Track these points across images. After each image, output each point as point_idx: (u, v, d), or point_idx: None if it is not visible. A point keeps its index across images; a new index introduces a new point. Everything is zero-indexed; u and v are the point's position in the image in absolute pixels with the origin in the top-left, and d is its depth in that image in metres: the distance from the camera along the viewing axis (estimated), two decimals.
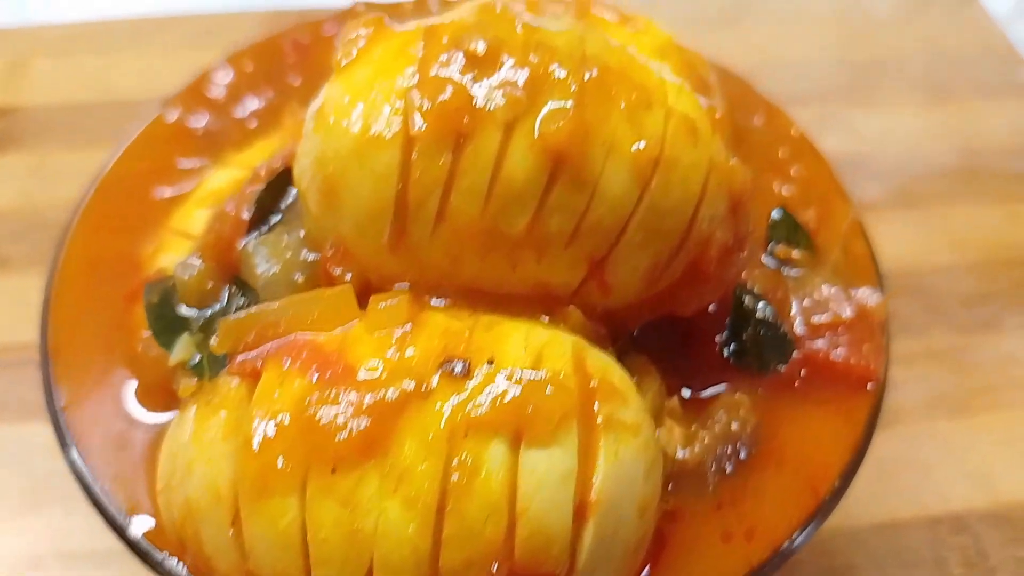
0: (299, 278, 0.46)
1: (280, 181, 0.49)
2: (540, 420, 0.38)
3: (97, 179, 0.60)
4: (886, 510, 0.73)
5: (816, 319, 0.53)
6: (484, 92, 0.41)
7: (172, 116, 0.63)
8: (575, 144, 0.41)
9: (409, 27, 0.45)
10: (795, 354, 0.52)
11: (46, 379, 0.50)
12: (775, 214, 0.57)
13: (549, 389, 0.38)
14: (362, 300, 0.44)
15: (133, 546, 0.45)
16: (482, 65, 0.41)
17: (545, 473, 0.38)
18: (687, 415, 0.49)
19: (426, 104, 0.41)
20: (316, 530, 0.37)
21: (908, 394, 0.81)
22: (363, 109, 0.42)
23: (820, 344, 0.52)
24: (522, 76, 0.41)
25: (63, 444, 0.49)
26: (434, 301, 0.43)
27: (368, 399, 0.38)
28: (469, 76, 0.41)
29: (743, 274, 0.54)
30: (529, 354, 0.40)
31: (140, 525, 0.45)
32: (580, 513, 0.38)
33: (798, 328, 0.53)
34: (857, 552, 0.71)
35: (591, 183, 0.42)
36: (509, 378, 0.39)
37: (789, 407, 0.51)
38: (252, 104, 0.64)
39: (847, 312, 0.53)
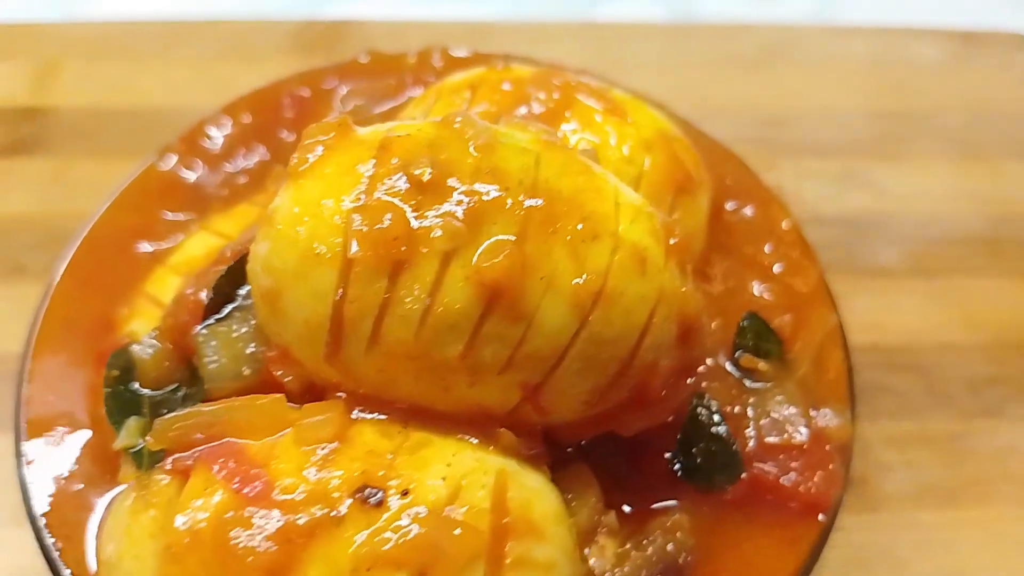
0: (246, 371, 0.47)
1: (239, 267, 0.50)
2: (446, 560, 0.39)
3: (84, 231, 0.62)
4: None
5: (771, 439, 0.53)
6: (424, 220, 0.41)
7: (165, 165, 0.65)
8: (512, 279, 0.41)
9: (368, 136, 0.45)
10: (744, 475, 0.51)
11: (16, 433, 0.52)
12: (745, 319, 0.56)
13: (458, 530, 0.39)
14: (304, 398, 0.45)
15: None
16: (427, 192, 0.42)
17: None
18: (625, 531, 0.49)
19: (365, 228, 0.41)
20: None
21: (895, 480, 0.79)
22: (308, 226, 0.42)
23: (770, 467, 0.52)
24: (465, 205, 0.41)
25: (24, 497, 0.51)
26: (367, 414, 0.44)
27: (280, 523, 0.39)
28: (411, 203, 0.41)
29: (702, 383, 0.54)
30: (447, 485, 0.41)
31: None
32: None
33: (751, 446, 0.52)
34: None
35: (527, 316, 0.42)
36: (420, 514, 0.39)
37: (732, 529, 0.51)
38: (243, 159, 0.65)
39: (804, 435, 0.53)
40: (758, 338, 0.56)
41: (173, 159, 0.65)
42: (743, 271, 0.61)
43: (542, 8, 1.23)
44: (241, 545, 0.39)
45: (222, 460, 0.42)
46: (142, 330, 0.53)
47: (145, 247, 0.61)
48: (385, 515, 0.39)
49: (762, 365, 0.55)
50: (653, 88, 1.07)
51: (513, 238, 0.41)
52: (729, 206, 0.64)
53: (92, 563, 0.48)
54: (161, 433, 0.43)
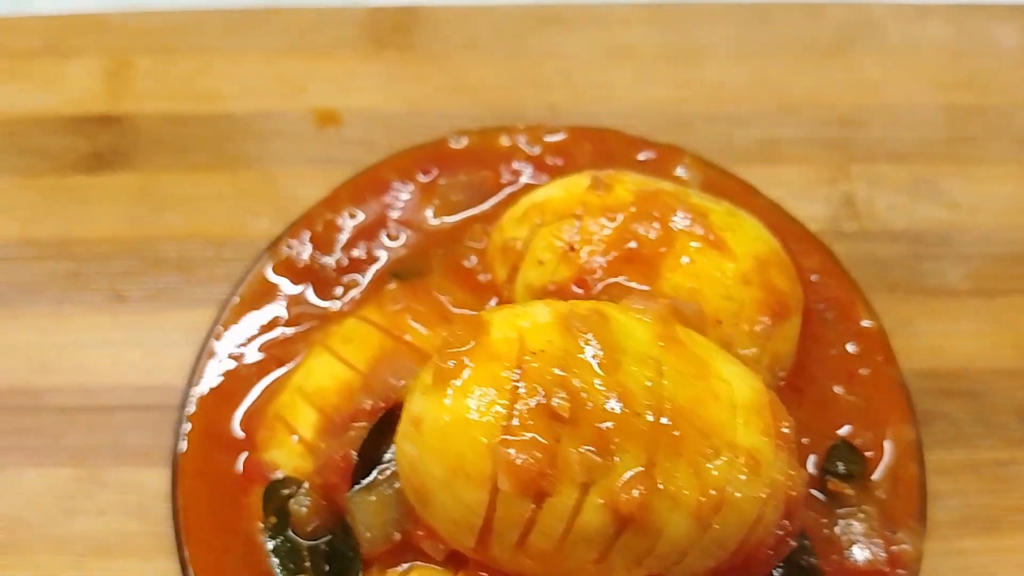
0: (396, 536, 0.53)
1: (380, 429, 0.55)
2: None
3: (209, 340, 0.66)
4: None
5: (851, 562, 0.59)
6: (566, 455, 0.46)
7: (271, 274, 0.68)
8: (644, 510, 0.46)
9: (504, 349, 0.49)
10: None
11: (180, 555, 0.60)
12: (834, 446, 0.61)
13: None
14: (447, 563, 0.52)
15: None
16: (565, 424, 0.46)
17: None
18: None
19: (511, 461, 0.46)
20: None
21: (946, 508, 0.85)
22: (456, 445, 0.47)
23: None
24: (600, 436, 0.46)
25: None
26: None
27: None
28: (553, 437, 0.46)
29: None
30: None
31: None
32: None
33: (836, 570, 0.59)
34: None
35: (655, 533, 0.47)
36: None
37: None
38: (350, 262, 0.68)
39: (883, 560, 0.59)
40: (846, 463, 0.61)
41: (283, 256, 0.68)
42: (827, 378, 0.65)
43: None
44: None
45: None
46: (283, 461, 0.60)
47: (265, 362, 0.65)
48: None
49: (848, 490, 0.60)
50: (731, 82, 1.06)
51: (643, 471, 0.46)
52: (816, 306, 0.67)
53: None
54: None
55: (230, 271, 0.93)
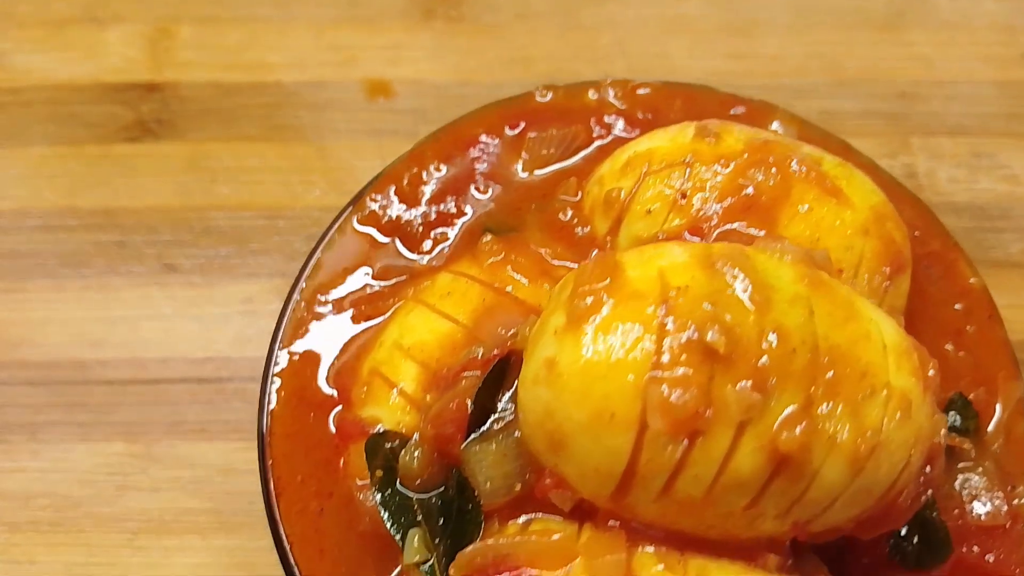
0: (517, 487, 0.50)
1: (495, 377, 0.52)
2: None
3: (294, 297, 0.63)
4: None
5: (974, 517, 0.57)
6: (720, 391, 0.43)
7: (360, 225, 0.65)
8: (803, 450, 0.43)
9: (644, 286, 0.46)
10: (951, 555, 0.56)
11: (272, 520, 0.56)
12: (951, 400, 0.59)
13: None
14: (575, 514, 0.49)
15: None
16: (720, 362, 0.44)
17: None
18: None
19: (664, 400, 0.43)
20: None
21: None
22: (599, 387, 0.45)
23: (975, 547, 0.56)
24: (757, 375, 0.44)
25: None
26: (644, 546, 0.48)
27: None
28: (707, 374, 0.44)
29: None
30: None
31: None
32: None
33: (957, 526, 0.57)
34: None
35: (810, 476, 0.45)
36: None
37: None
38: (439, 220, 0.65)
39: (1004, 513, 0.57)
40: (962, 416, 0.59)
41: (368, 210, 0.66)
42: (937, 336, 0.63)
43: None
44: None
45: None
46: (385, 418, 0.56)
47: (355, 317, 0.62)
48: None
49: (966, 444, 0.58)
50: (788, 53, 1.05)
51: (800, 405, 0.44)
52: (922, 265, 0.66)
53: None
54: (463, 565, 0.48)
55: (284, 242, 0.90)
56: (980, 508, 0.57)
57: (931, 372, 0.49)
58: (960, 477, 0.58)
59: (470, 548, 0.48)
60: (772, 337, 0.44)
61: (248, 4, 1.03)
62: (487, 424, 0.52)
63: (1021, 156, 1.00)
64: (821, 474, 0.45)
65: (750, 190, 0.57)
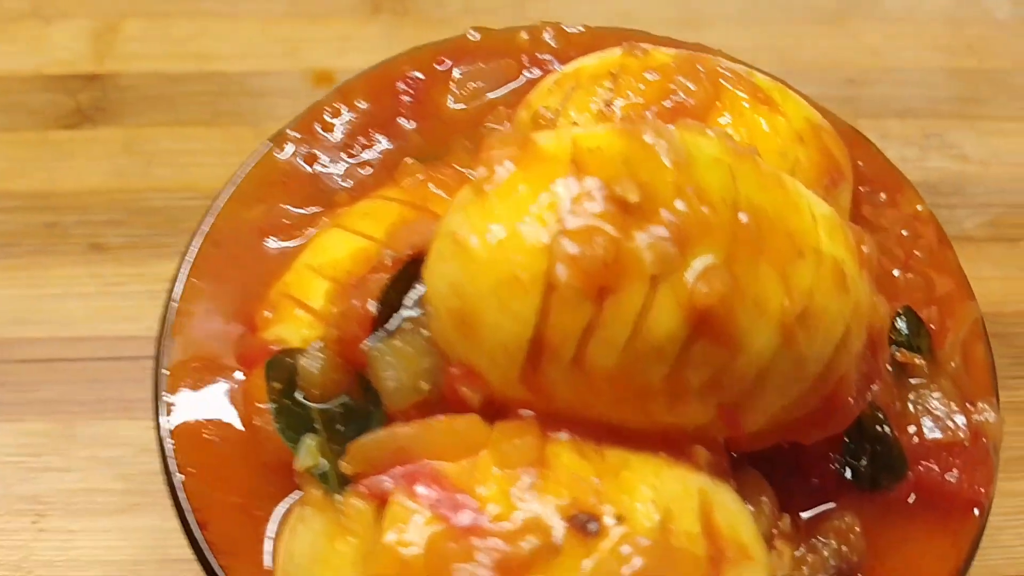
0: (425, 387, 0.46)
1: (405, 275, 0.48)
2: None
3: (206, 225, 0.60)
4: None
5: (932, 436, 0.53)
6: (631, 244, 0.40)
7: (282, 155, 0.63)
8: (724, 305, 0.40)
9: (555, 149, 0.43)
10: (908, 475, 0.51)
11: (163, 458, 0.52)
12: (900, 315, 0.55)
13: (680, 560, 0.39)
14: (485, 413, 0.45)
15: None
16: (633, 214, 0.40)
17: None
18: (797, 536, 0.49)
19: (572, 253, 0.40)
20: None
21: None
22: (503, 248, 0.41)
23: (934, 465, 0.52)
24: (673, 227, 0.40)
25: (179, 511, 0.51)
26: (559, 434, 0.43)
27: (496, 554, 0.39)
28: (617, 226, 0.40)
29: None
30: (657, 507, 0.41)
31: None
32: None
33: (913, 444, 0.52)
34: None
35: (735, 339, 0.41)
36: (639, 543, 0.39)
37: (894, 529, 0.51)
38: (363, 149, 0.63)
39: (965, 432, 0.53)
40: (912, 333, 0.55)
41: (290, 148, 0.63)
42: (884, 260, 0.60)
43: None
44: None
45: (422, 483, 0.41)
46: (290, 336, 0.52)
47: (273, 243, 0.59)
48: (604, 544, 0.39)
49: (918, 360, 0.55)
50: (737, 45, 1.04)
51: (723, 263, 0.40)
52: (863, 189, 0.63)
53: None
54: (356, 456, 0.43)
55: None
56: (938, 426, 0.53)
57: (866, 249, 0.45)
58: (914, 394, 0.54)
59: (364, 438, 0.43)
60: (690, 191, 0.41)
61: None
62: (394, 323, 0.48)
63: (971, 136, 1.00)
64: (747, 341, 0.41)
65: (680, 96, 0.55)
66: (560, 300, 0.40)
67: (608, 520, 0.40)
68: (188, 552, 0.69)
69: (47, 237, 0.86)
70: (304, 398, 0.49)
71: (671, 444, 0.44)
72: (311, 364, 0.48)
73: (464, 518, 0.40)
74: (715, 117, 0.55)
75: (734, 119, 0.54)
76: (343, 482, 0.44)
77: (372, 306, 0.48)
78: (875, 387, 0.48)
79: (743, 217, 0.41)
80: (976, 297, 0.87)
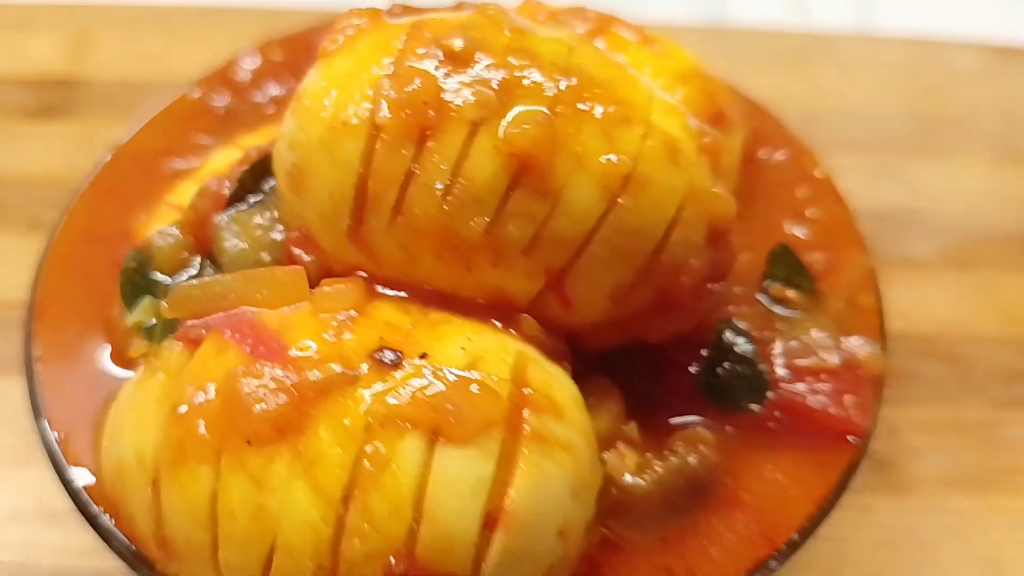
0: (266, 257, 0.46)
1: (264, 163, 0.49)
2: (461, 420, 0.37)
3: (112, 150, 0.62)
4: None
5: (800, 362, 0.51)
6: (454, 88, 0.41)
7: (196, 95, 0.65)
8: (541, 151, 0.40)
9: (400, 22, 0.45)
10: (771, 396, 0.49)
11: (26, 336, 0.52)
12: (775, 250, 0.55)
13: (476, 389, 0.38)
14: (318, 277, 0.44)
15: (75, 499, 0.46)
16: (458, 62, 0.41)
17: (457, 475, 0.37)
18: (646, 443, 0.47)
19: (393, 94, 0.40)
20: (225, 502, 0.37)
21: (928, 464, 0.76)
22: (336, 97, 0.42)
23: (799, 388, 0.50)
24: (497, 77, 0.41)
25: (29, 389, 0.50)
26: (387, 294, 0.43)
27: (293, 378, 0.38)
28: (443, 71, 0.41)
29: (731, 308, 0.52)
30: (467, 355, 0.40)
31: (83, 480, 0.46)
32: (490, 522, 0.37)
33: (780, 371, 0.51)
34: None
35: (554, 192, 0.41)
36: (437, 374, 0.38)
37: (757, 451, 0.49)
38: (272, 91, 0.65)
39: (834, 360, 0.51)
40: (789, 271, 0.54)
41: (202, 91, 0.65)
42: (775, 211, 0.60)
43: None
44: (250, 400, 0.37)
45: (236, 326, 0.41)
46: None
47: (172, 165, 0.60)
48: (400, 374, 0.38)
49: (792, 294, 0.53)
50: None
51: (544, 111, 0.41)
52: (762, 153, 0.63)
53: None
54: (176, 300, 0.42)
55: None
56: (809, 353, 0.51)
57: (707, 140, 0.45)
58: (787, 324, 0.52)
59: (186, 283, 0.43)
60: (519, 53, 0.42)
61: (168, 23, 1.09)
62: (246, 204, 0.48)
63: (923, 172, 1.00)
64: (567, 193, 0.41)
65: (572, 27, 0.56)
66: (382, 144, 0.41)
67: (412, 359, 0.39)
68: (67, 503, 0.68)
69: None
70: (159, 273, 0.49)
71: (501, 314, 0.43)
72: (163, 240, 0.49)
73: (266, 350, 0.39)
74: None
75: (615, 52, 0.56)
76: (168, 334, 0.44)
77: (226, 188, 0.49)
78: (718, 287, 0.46)
79: (571, 80, 0.42)
80: (929, 319, 0.86)
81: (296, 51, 0.68)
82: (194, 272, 0.48)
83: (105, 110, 0.99)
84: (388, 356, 0.38)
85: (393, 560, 0.36)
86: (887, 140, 1.03)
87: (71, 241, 0.56)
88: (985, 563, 0.71)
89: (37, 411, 0.50)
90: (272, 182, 0.49)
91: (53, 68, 1.03)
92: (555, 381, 0.41)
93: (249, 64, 0.67)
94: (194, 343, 0.41)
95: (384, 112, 0.40)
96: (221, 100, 0.65)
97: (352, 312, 0.41)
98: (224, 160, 0.57)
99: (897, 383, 0.81)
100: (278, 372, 0.38)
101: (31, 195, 0.89)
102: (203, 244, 0.49)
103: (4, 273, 0.84)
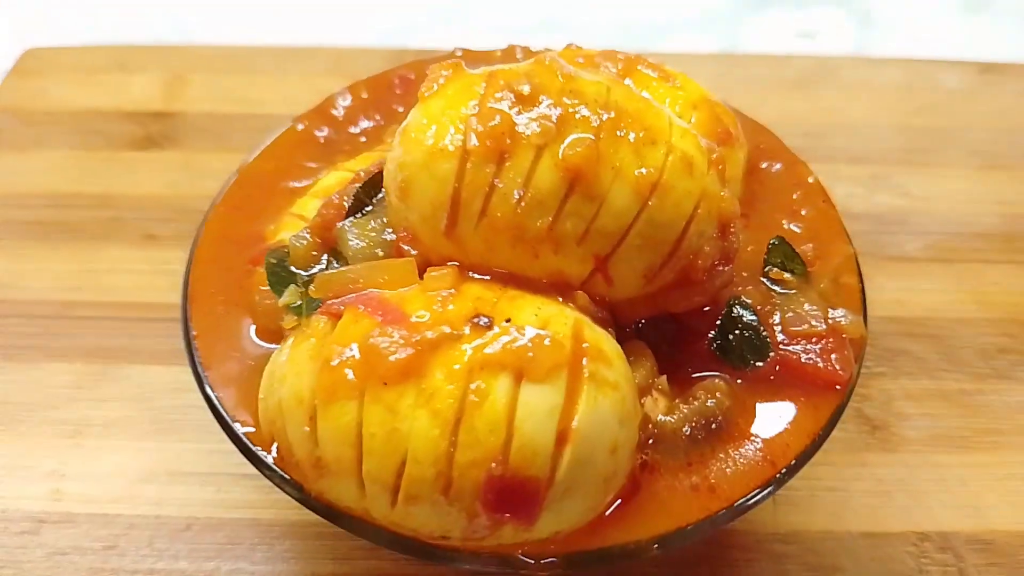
0: (380, 252, 0.60)
1: (373, 181, 0.64)
2: (537, 364, 0.51)
3: (236, 172, 0.76)
4: (877, 521, 0.81)
5: (794, 329, 0.64)
6: (524, 122, 0.55)
7: (300, 127, 0.80)
8: (589, 166, 0.54)
9: (478, 72, 0.59)
10: (772, 355, 0.63)
11: (184, 319, 0.66)
12: (773, 241, 0.68)
13: (548, 343, 0.51)
14: (423, 274, 0.58)
15: (237, 442, 0.60)
16: (525, 102, 0.55)
17: (536, 404, 0.51)
18: (673, 392, 0.61)
19: (479, 127, 0.55)
20: (367, 427, 0.51)
21: (915, 427, 0.89)
22: (435, 129, 0.56)
23: (794, 349, 0.63)
24: (555, 113, 0.55)
25: (191, 360, 0.64)
26: (474, 277, 0.57)
27: (414, 337, 0.52)
28: (515, 110, 0.55)
29: (738, 288, 0.66)
30: (539, 319, 0.53)
31: (243, 428, 0.60)
32: (561, 438, 0.51)
33: (779, 336, 0.64)
34: (844, 555, 0.80)
35: (600, 197, 0.55)
36: (519, 331, 0.52)
37: (761, 397, 0.62)
38: (363, 124, 0.80)
39: (822, 327, 0.64)
40: (784, 258, 0.68)
41: (305, 124, 0.80)
42: (774, 211, 0.73)
43: (606, 41, 1.38)
44: (384, 353, 0.51)
45: (366, 302, 0.55)
46: (288, 239, 0.67)
47: (287, 184, 0.75)
48: (492, 333, 0.52)
49: (788, 276, 0.67)
50: None
51: (591, 137, 0.55)
52: (763, 165, 0.77)
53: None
54: (320, 284, 0.57)
55: None
56: (801, 323, 0.64)
57: (715, 156, 0.59)
58: (783, 299, 0.66)
59: (326, 272, 0.57)
60: (570, 94, 0.56)
61: (252, 61, 1.24)
62: (361, 213, 0.63)
63: (916, 179, 1.13)
64: (609, 197, 0.55)
65: (602, 69, 0.70)
66: (472, 164, 0.55)
67: (499, 322, 0.53)
68: (189, 466, 0.82)
69: (109, 228, 1.04)
70: (292, 269, 0.63)
71: (560, 291, 0.57)
72: (297, 242, 0.63)
73: (392, 319, 0.53)
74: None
75: (640, 89, 0.70)
76: (312, 310, 0.58)
77: (346, 201, 0.63)
78: (727, 269, 0.60)
79: (610, 113, 0.56)
80: (917, 305, 0.99)
81: (379, 90, 0.83)
82: (323, 266, 0.62)
83: (199, 139, 1.15)
84: (482, 320, 0.52)
85: (493, 465, 0.50)
86: (883, 151, 1.16)
87: (211, 244, 0.71)
88: (966, 509, 0.83)
89: (199, 378, 0.64)
90: (380, 195, 0.63)
91: (152, 103, 1.19)
92: (604, 339, 0.55)
93: (342, 102, 0.81)
94: (335, 316, 0.55)
95: (472, 141, 0.55)
96: (321, 131, 0.79)
97: (452, 290, 0.55)
98: (332, 179, 0.71)
99: (889, 359, 0.95)
100: (403, 332, 0.52)
101: (143, 213, 1.05)
102: (327, 244, 0.63)
103: (126, 278, 1.00)
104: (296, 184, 0.75)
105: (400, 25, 1.42)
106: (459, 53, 0.86)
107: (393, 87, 0.83)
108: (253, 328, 0.66)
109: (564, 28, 1.42)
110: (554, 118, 0.55)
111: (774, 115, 1.20)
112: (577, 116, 0.55)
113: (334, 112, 0.81)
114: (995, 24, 1.44)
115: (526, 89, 0.56)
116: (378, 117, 0.80)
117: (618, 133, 0.55)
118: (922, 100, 1.24)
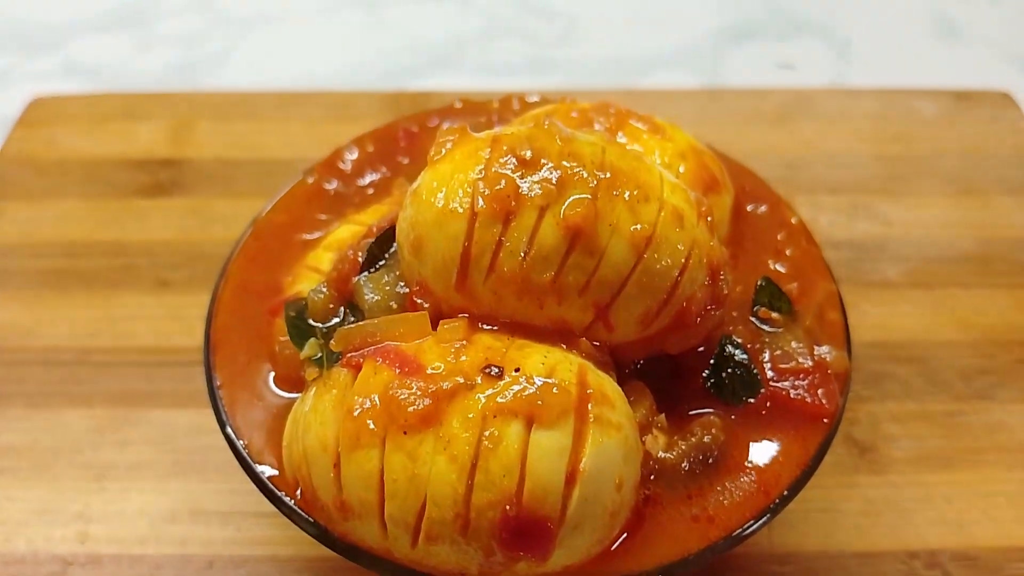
0: (394, 305, 0.64)
1: (386, 236, 0.68)
2: (546, 410, 0.55)
3: (252, 224, 0.80)
4: (867, 541, 0.86)
5: (783, 366, 0.69)
6: (527, 185, 0.59)
7: (310, 180, 0.84)
8: (588, 224, 0.58)
9: (482, 136, 0.63)
10: (762, 391, 0.67)
11: (207, 368, 0.70)
12: (760, 281, 0.73)
13: (555, 390, 0.56)
14: (435, 324, 0.62)
15: (262, 487, 0.64)
16: (528, 166, 0.60)
17: (547, 447, 0.55)
18: (672, 429, 0.65)
19: (486, 191, 0.59)
20: (389, 473, 0.55)
21: (902, 448, 0.93)
22: (445, 192, 0.60)
23: (783, 385, 0.68)
24: (555, 175, 0.59)
25: (215, 408, 0.68)
26: (484, 327, 0.61)
27: (431, 388, 0.56)
28: (518, 173, 0.60)
29: (729, 327, 0.70)
30: (545, 367, 0.58)
31: (267, 471, 0.64)
32: (570, 478, 0.55)
33: (768, 372, 0.68)
34: (838, 574, 0.84)
35: (599, 252, 0.59)
36: (529, 381, 0.56)
37: (754, 431, 0.66)
38: (370, 176, 0.84)
39: (808, 362, 0.69)
40: (771, 297, 0.72)
41: (315, 177, 0.84)
42: (760, 252, 0.77)
43: (594, 79, 1.44)
44: (403, 403, 0.56)
45: (384, 354, 0.59)
46: (305, 291, 0.71)
47: (300, 236, 0.79)
48: (503, 382, 0.56)
49: (775, 315, 0.71)
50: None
51: (589, 197, 0.59)
52: (749, 207, 0.81)
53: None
54: (340, 338, 0.61)
55: None
56: (789, 359, 0.69)
57: (703, 208, 0.64)
58: (771, 338, 0.70)
59: (346, 326, 0.61)
60: (569, 156, 0.61)
61: (256, 107, 1.29)
62: (375, 267, 0.67)
63: (893, 207, 1.18)
64: (608, 252, 0.59)
65: (596, 126, 0.75)
66: (480, 224, 0.59)
67: (509, 371, 0.57)
68: (211, 505, 0.86)
69: (123, 275, 1.07)
70: (312, 320, 0.67)
71: (564, 338, 0.61)
72: (315, 296, 0.67)
73: (409, 370, 0.57)
74: (617, 139, 0.74)
75: (631, 141, 0.74)
76: (333, 362, 0.62)
77: (360, 255, 0.67)
78: (718, 312, 0.64)
79: (606, 173, 0.60)
80: (897, 329, 1.03)
81: (384, 142, 0.87)
82: (339, 318, 0.67)
83: (206, 185, 1.19)
84: (494, 370, 0.56)
85: (508, 506, 0.54)
86: (861, 180, 1.21)
87: (231, 294, 0.75)
88: (951, 526, 0.87)
89: (223, 424, 0.68)
90: (392, 250, 0.68)
91: (159, 150, 1.23)
92: (606, 382, 0.60)
93: (349, 155, 0.86)
94: (356, 368, 0.60)
95: (480, 203, 0.59)
96: (330, 184, 0.84)
97: (463, 341, 0.59)
98: (344, 232, 0.76)
99: (875, 383, 1.00)
100: (420, 383, 0.56)
101: (155, 259, 1.09)
102: (344, 296, 0.67)
103: (141, 324, 1.03)
104: (308, 236, 0.79)
105: (397, 68, 1.47)
106: (459, 104, 0.91)
107: (398, 140, 0.87)
108: (272, 375, 0.70)
109: (553, 67, 1.47)
110: (554, 180, 0.59)
111: (756, 147, 1.27)
112: (576, 178, 0.60)
113: (342, 165, 0.85)
114: (966, 51, 1.50)
115: (528, 154, 0.60)
116: (384, 169, 0.85)
117: (614, 192, 0.60)
118: (898, 128, 1.29)
